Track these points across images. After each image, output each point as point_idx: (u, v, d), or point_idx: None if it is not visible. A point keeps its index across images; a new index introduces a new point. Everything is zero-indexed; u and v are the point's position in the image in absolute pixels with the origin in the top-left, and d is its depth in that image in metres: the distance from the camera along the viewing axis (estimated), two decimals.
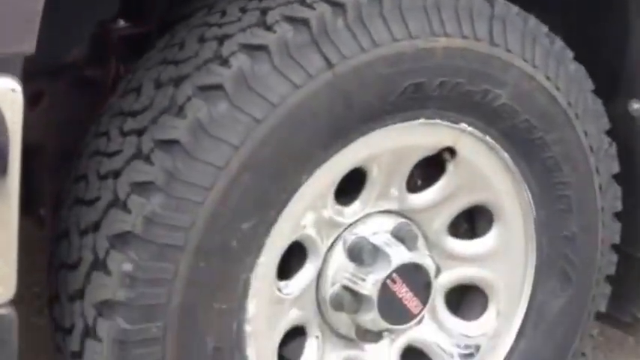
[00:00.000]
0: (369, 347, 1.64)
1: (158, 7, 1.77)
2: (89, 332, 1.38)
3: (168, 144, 1.33)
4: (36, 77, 1.51)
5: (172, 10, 1.77)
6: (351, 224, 1.55)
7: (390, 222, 1.58)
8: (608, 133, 1.71)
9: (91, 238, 1.38)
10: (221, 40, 1.39)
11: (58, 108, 1.66)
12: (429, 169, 1.61)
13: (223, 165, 1.33)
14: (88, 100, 1.65)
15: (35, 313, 2.11)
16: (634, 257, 1.81)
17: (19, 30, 1.11)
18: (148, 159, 1.34)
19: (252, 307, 1.44)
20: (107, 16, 1.69)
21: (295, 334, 1.58)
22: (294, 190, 1.41)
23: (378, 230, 1.57)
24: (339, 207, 1.53)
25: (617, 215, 1.75)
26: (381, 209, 1.58)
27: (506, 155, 1.59)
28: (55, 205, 1.51)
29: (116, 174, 1.37)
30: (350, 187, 1.54)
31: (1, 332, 1.25)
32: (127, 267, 1.32)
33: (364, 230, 1.57)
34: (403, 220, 1.60)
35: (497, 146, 1.58)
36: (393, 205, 1.58)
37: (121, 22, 1.73)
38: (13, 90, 1.15)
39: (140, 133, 1.36)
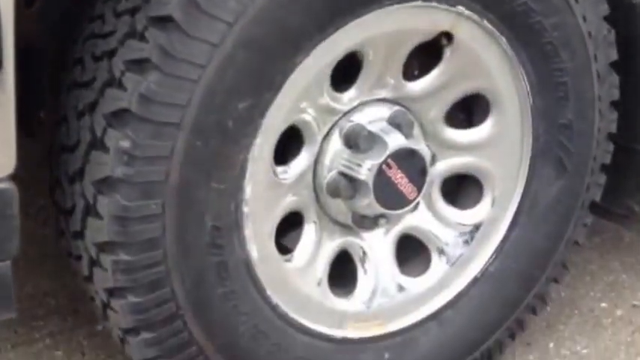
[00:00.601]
0: (366, 235, 1.65)
1: None
2: (90, 210, 1.39)
3: (162, 21, 1.31)
4: None
5: None
6: (347, 112, 1.55)
7: (387, 110, 1.58)
8: (608, 19, 1.68)
9: (89, 118, 1.38)
10: None
11: (54, 6, 1.64)
12: (427, 59, 1.59)
13: (218, 42, 1.32)
14: None
15: (40, 226, 2.15)
16: (631, 148, 1.80)
17: None
18: (142, 37, 1.32)
19: (249, 189, 1.44)
20: None
21: (294, 225, 1.60)
22: (290, 71, 1.40)
23: (374, 118, 1.57)
24: (335, 93, 1.52)
25: (615, 104, 1.74)
26: (378, 97, 1.57)
27: (504, 40, 1.57)
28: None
29: (111, 53, 1.36)
30: (347, 73, 1.53)
31: (2, 206, 1.26)
32: (125, 144, 1.32)
33: (360, 118, 1.56)
34: (400, 107, 1.59)
35: (495, 31, 1.55)
36: (389, 94, 1.57)
37: None
38: None
39: (133, 12, 1.34)
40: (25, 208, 1.67)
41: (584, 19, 1.61)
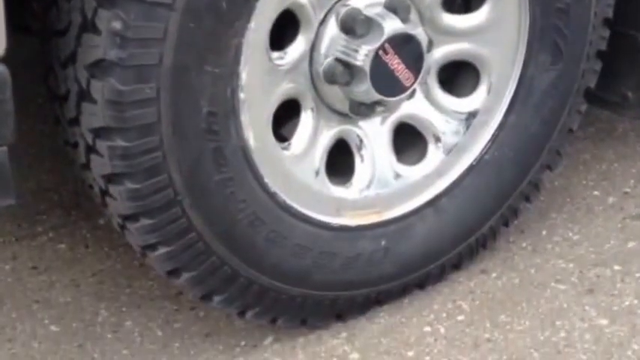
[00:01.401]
0: (363, 123, 1.60)
1: None
2: (84, 95, 1.33)
3: None
4: None
5: None
6: None
7: None
8: None
9: (79, 0, 1.31)
10: None
11: None
12: None
13: None
14: None
15: (41, 121, 2.10)
16: (626, 35, 1.74)
17: None
18: None
19: (245, 74, 1.38)
20: None
21: (292, 115, 1.55)
22: None
23: (371, 2, 1.50)
24: None
25: None
26: None
27: None
28: None
29: None
30: None
31: None
32: (117, 25, 1.26)
33: (357, 2, 1.49)
34: None
35: None
36: None
37: None
38: None
39: None
40: (25, 105, 1.61)
41: None
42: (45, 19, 1.40)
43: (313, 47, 1.49)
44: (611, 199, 1.97)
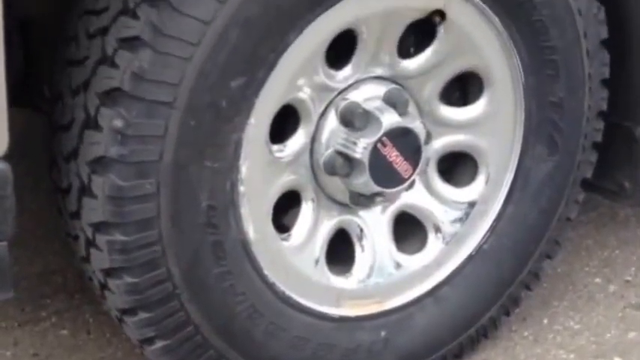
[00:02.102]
0: (363, 213, 1.58)
1: None
2: (85, 190, 1.32)
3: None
4: None
5: None
6: (343, 90, 1.47)
7: (382, 88, 1.50)
8: None
9: (82, 97, 1.30)
10: None
11: None
12: (422, 34, 1.52)
13: (209, 20, 1.24)
14: None
15: (48, 202, 2.09)
16: (621, 126, 1.74)
17: None
18: (134, 14, 1.25)
19: (244, 168, 1.37)
20: None
21: (291, 203, 1.53)
22: (283, 49, 1.33)
23: (369, 96, 1.49)
24: (330, 71, 1.45)
25: (605, 82, 1.67)
26: (373, 75, 1.49)
27: (495, 18, 1.49)
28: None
29: (104, 31, 1.28)
30: (342, 52, 1.46)
31: None
32: (118, 123, 1.25)
33: (356, 95, 1.49)
34: (395, 85, 1.52)
35: (487, 9, 1.48)
36: (384, 71, 1.50)
37: None
38: None
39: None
40: (34, 184, 1.60)
41: None
42: (51, 112, 1.40)
43: (314, 139, 1.48)
44: (612, 287, 1.93)
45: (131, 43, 1.24)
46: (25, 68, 1.54)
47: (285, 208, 1.52)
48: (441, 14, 1.48)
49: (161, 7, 1.24)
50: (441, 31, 1.50)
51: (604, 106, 1.68)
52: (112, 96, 1.26)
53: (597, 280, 1.95)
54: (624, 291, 1.91)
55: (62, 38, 1.38)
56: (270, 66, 1.33)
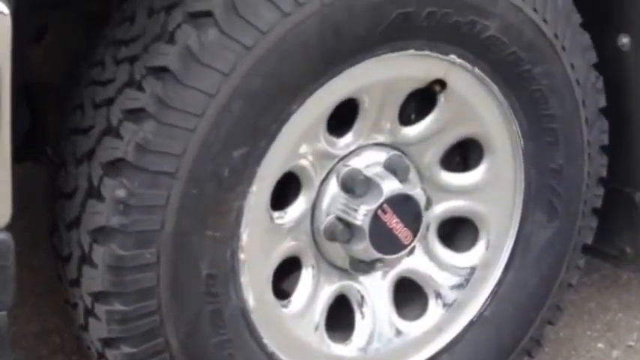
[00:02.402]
0: (363, 278, 1.59)
1: None
2: (85, 259, 1.33)
3: (159, 71, 1.26)
4: (39, 11, 1.46)
5: None
6: (344, 156, 1.49)
7: (383, 154, 1.52)
8: (596, 66, 1.64)
9: (86, 166, 1.32)
10: None
11: (62, 42, 1.60)
12: (423, 102, 1.55)
13: (214, 92, 1.27)
14: (91, 34, 1.60)
15: (49, 261, 2.09)
16: (622, 191, 1.75)
17: None
18: (139, 86, 1.27)
19: (245, 236, 1.38)
20: None
21: (291, 268, 1.54)
22: (285, 119, 1.35)
23: (370, 162, 1.51)
24: (332, 138, 1.47)
25: (605, 149, 1.69)
26: (374, 142, 1.51)
27: (494, 87, 1.52)
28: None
29: (109, 102, 1.31)
30: (344, 119, 1.48)
31: None
32: (120, 194, 1.27)
33: (357, 162, 1.50)
34: (396, 152, 1.53)
35: (486, 78, 1.51)
36: (385, 138, 1.52)
37: None
38: (2, 13, 1.09)
39: (132, 60, 1.30)
40: (33, 241, 1.60)
41: (572, 67, 1.57)
42: (54, 179, 1.42)
43: (314, 205, 1.49)
44: (615, 353, 1.92)
45: (136, 114, 1.27)
46: (30, 128, 1.56)
47: (285, 273, 1.53)
48: (441, 83, 1.51)
49: (166, 79, 1.26)
50: (442, 99, 1.53)
51: (604, 173, 1.70)
52: (115, 166, 1.28)
53: (600, 345, 1.94)
54: (627, 356, 1.90)
55: (68, 106, 1.40)
56: (273, 135, 1.35)
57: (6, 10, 1.09)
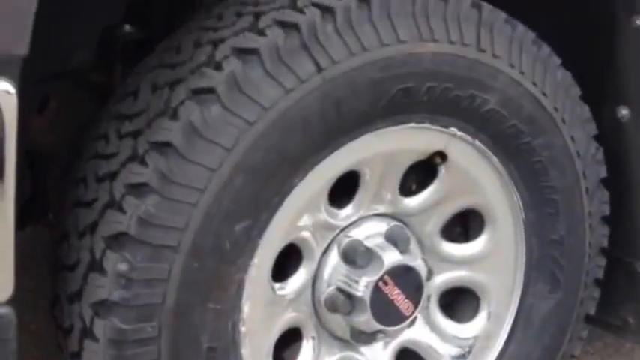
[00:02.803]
0: (364, 349, 1.59)
1: (160, 13, 1.75)
2: (87, 332, 1.33)
3: (162, 146, 1.29)
4: (43, 81, 1.50)
5: (173, 16, 1.75)
6: (345, 227, 1.51)
7: (384, 225, 1.54)
8: (596, 138, 1.67)
9: (89, 239, 1.34)
10: (215, 44, 1.35)
11: (65, 112, 1.64)
12: (423, 173, 1.57)
13: (216, 167, 1.30)
14: (94, 103, 1.63)
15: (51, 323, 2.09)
16: (623, 261, 1.77)
17: (12, 33, 1.08)
18: (142, 161, 1.30)
19: (246, 307, 1.39)
20: (113, 20, 1.67)
21: (292, 337, 1.54)
22: (287, 192, 1.37)
23: (371, 233, 1.53)
24: (333, 210, 1.49)
25: (606, 219, 1.71)
26: (375, 212, 1.53)
27: (495, 159, 1.55)
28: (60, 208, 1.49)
29: (113, 176, 1.33)
30: (345, 189, 1.50)
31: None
32: (122, 267, 1.28)
33: (358, 233, 1.52)
34: (397, 223, 1.55)
35: (487, 150, 1.54)
36: (386, 209, 1.54)
37: (126, 27, 1.71)
38: (8, 92, 1.12)
39: (136, 135, 1.33)
40: (34, 302, 1.60)
41: (572, 139, 1.60)
42: (56, 249, 1.43)
43: (315, 276, 1.51)
44: None
45: (139, 189, 1.29)
46: (31, 195, 1.59)
47: (285, 343, 1.53)
48: (441, 155, 1.54)
49: (169, 154, 1.29)
50: (442, 171, 1.55)
51: (605, 243, 1.71)
52: (118, 240, 1.30)
53: None
54: None
55: (71, 179, 1.43)
56: (274, 209, 1.37)
57: (12, 89, 1.12)
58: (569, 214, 1.63)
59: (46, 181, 1.62)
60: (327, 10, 1.36)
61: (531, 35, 1.56)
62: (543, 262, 1.64)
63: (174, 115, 1.30)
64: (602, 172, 1.67)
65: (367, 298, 1.48)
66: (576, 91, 1.62)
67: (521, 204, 1.60)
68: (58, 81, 1.59)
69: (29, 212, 1.59)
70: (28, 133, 1.24)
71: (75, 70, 1.62)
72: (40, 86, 1.50)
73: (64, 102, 1.63)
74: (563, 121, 1.58)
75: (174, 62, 1.37)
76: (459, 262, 1.63)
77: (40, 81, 1.45)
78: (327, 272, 1.51)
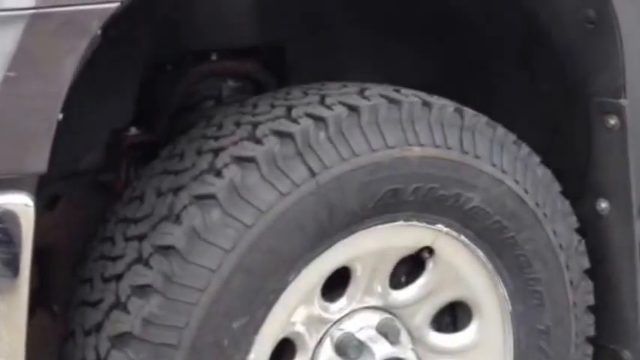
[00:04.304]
0: None
1: (166, 116, 1.91)
2: None
3: (166, 249, 1.42)
4: (53, 182, 1.64)
5: (178, 120, 1.91)
6: (337, 320, 1.63)
7: (375, 317, 1.66)
8: (579, 230, 1.80)
9: (94, 338, 1.46)
10: (216, 152, 1.51)
11: (74, 211, 1.77)
12: (412, 265, 1.70)
13: (216, 268, 1.42)
14: (102, 202, 1.77)
15: None
16: (609, 348, 1.87)
17: (33, 154, 1.23)
18: (147, 263, 1.43)
19: None
20: (122, 123, 1.82)
21: None
22: (282, 289, 1.50)
23: (363, 325, 1.65)
24: (326, 304, 1.61)
25: (591, 308, 1.83)
26: (366, 305, 1.66)
27: (481, 253, 1.68)
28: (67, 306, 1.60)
29: (118, 277, 1.46)
30: (336, 283, 1.63)
31: None
32: None
33: (350, 326, 1.64)
34: (387, 315, 1.67)
35: (473, 245, 1.67)
36: (377, 302, 1.66)
37: (133, 130, 1.87)
38: (26, 205, 1.26)
39: (141, 238, 1.46)
40: None
41: (555, 232, 1.73)
42: (62, 348, 1.54)
43: None
44: None
45: (143, 290, 1.42)
46: (38, 287, 1.70)
47: None
48: (429, 250, 1.67)
49: (172, 257, 1.42)
50: (430, 265, 1.68)
51: (591, 332, 1.83)
52: (122, 339, 1.42)
53: None
54: None
55: (78, 279, 1.55)
56: (270, 305, 1.49)
57: (30, 202, 1.26)
58: (555, 304, 1.75)
59: (53, 276, 1.74)
60: (319, 120, 1.51)
61: (512, 136, 1.71)
62: (531, 352, 1.75)
63: (178, 220, 1.44)
64: (586, 264, 1.80)
65: None
66: (557, 186, 1.77)
67: (507, 296, 1.72)
68: (68, 181, 1.73)
69: (35, 303, 1.70)
70: (37, 229, 1.36)
71: (84, 171, 1.76)
72: (50, 186, 1.64)
73: (73, 201, 1.76)
74: (545, 216, 1.72)
75: (177, 169, 1.52)
76: (448, 352, 1.75)
77: (51, 182, 1.58)
78: None
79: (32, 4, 1.22)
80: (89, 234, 1.63)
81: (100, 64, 1.42)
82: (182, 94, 1.94)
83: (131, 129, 1.87)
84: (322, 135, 1.50)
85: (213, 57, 1.96)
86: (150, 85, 1.91)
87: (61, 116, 1.24)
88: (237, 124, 1.55)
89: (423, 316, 1.70)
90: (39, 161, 1.22)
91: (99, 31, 1.26)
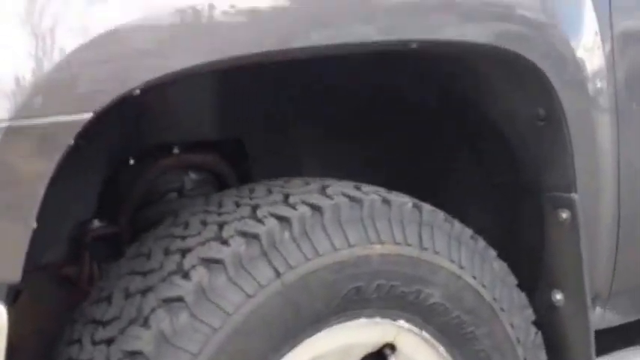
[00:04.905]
0: None
1: (129, 209, 1.96)
2: None
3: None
4: None
5: (141, 212, 1.96)
6: None
7: None
8: (535, 322, 1.89)
9: None
10: (183, 253, 1.56)
11: (35, 304, 1.79)
12: None
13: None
14: (64, 295, 1.79)
15: None
16: None
17: (7, 263, 1.27)
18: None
19: None
20: (84, 216, 1.86)
21: None
22: None
23: None
24: None
25: None
26: None
27: (442, 348, 1.74)
28: None
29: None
30: None
31: None
32: None
33: None
34: None
35: (434, 340, 1.73)
36: None
37: (96, 222, 1.91)
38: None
39: (109, 342, 1.49)
40: None
41: (512, 326, 1.81)
42: None
43: None
44: None
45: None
46: None
47: None
48: (391, 347, 1.73)
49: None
50: None
51: None
52: None
53: None
54: None
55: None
56: None
57: (3, 308, 1.29)
58: None
59: None
60: (284, 220, 1.58)
61: (469, 231, 1.80)
62: None
63: (146, 323, 1.48)
64: (542, 356, 1.88)
65: None
66: (512, 279, 1.86)
67: None
68: (30, 276, 1.75)
69: None
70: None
71: (46, 265, 1.79)
72: None
73: (34, 295, 1.78)
74: (503, 310, 1.80)
75: (145, 270, 1.56)
76: None
77: None
78: None
79: (6, 116, 1.28)
80: (52, 330, 1.65)
81: (63, 159, 1.47)
82: (145, 186, 2.00)
83: (94, 221, 1.91)
84: (287, 235, 1.56)
85: (175, 150, 2.03)
86: (113, 178, 1.97)
87: (35, 225, 1.28)
88: (204, 224, 1.61)
89: None
90: (13, 270, 1.26)
91: (72, 142, 1.32)
